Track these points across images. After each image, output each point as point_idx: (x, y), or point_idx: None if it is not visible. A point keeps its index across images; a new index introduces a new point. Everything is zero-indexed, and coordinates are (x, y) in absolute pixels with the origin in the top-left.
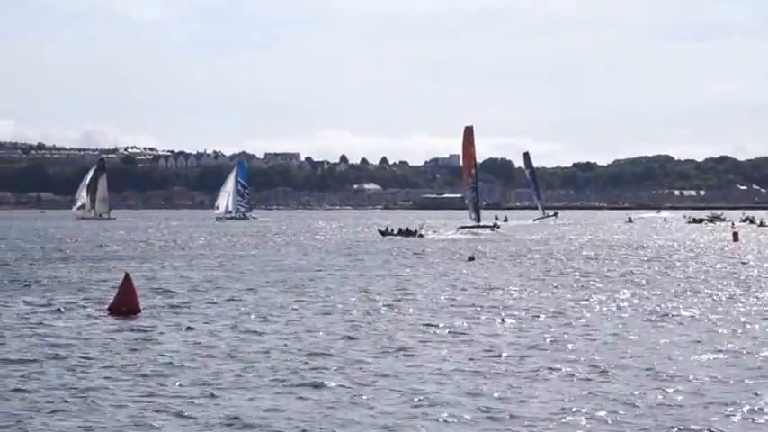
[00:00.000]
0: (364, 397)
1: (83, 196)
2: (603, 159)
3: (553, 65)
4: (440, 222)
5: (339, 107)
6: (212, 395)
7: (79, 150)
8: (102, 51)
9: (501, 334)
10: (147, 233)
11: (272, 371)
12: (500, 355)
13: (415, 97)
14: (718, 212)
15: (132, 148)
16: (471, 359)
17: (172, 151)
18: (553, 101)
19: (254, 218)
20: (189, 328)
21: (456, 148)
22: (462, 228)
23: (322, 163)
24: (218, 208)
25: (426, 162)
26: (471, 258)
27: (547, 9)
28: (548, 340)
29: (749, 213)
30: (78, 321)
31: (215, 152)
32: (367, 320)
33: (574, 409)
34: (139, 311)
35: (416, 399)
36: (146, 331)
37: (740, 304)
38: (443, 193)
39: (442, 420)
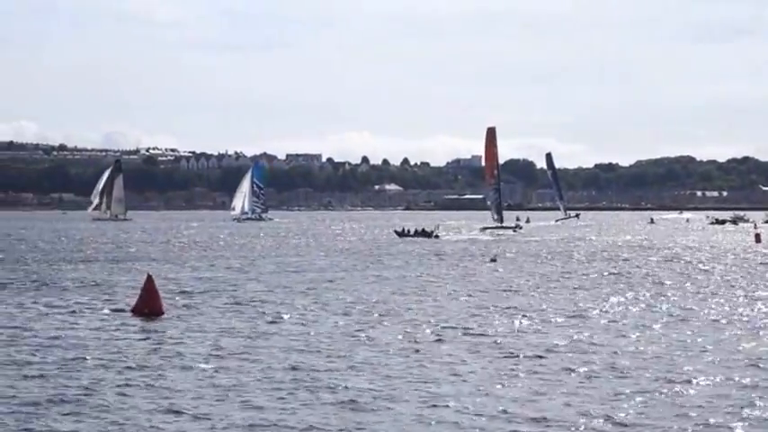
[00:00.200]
0: (383, 398)
1: (97, 197)
2: (625, 160)
3: (576, 65)
4: (460, 223)
5: (361, 108)
6: (232, 397)
7: (101, 151)
8: (124, 53)
9: (521, 335)
10: (166, 234)
11: (292, 372)
12: (519, 356)
13: (436, 98)
14: (741, 213)
15: (154, 148)
16: (491, 360)
17: (193, 152)
18: (575, 102)
19: (269, 219)
20: (211, 330)
21: (478, 148)
22: (485, 228)
23: (343, 164)
24: (234, 209)
25: (448, 163)
26: (494, 260)
27: (568, 10)
28: (567, 341)
29: None
30: (100, 323)
31: (236, 153)
32: (386, 322)
33: (593, 411)
34: (162, 313)
35: (435, 400)
36: (167, 333)
37: (762, 306)
38: (465, 194)
39: (460, 422)
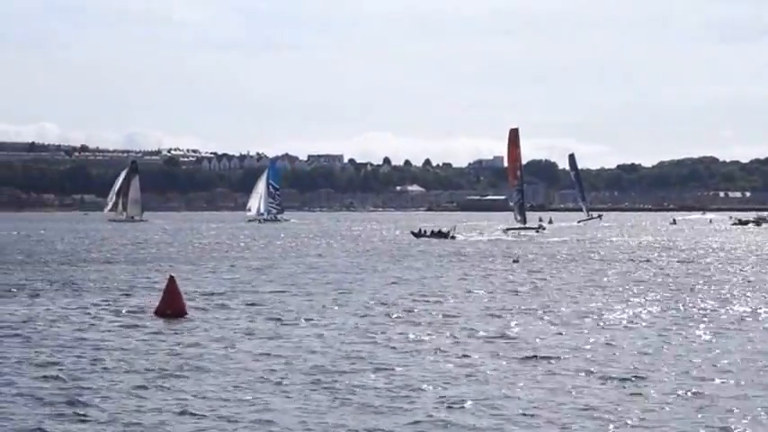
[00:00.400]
0: (400, 399)
1: (114, 198)
2: (648, 161)
3: (599, 66)
4: (482, 224)
5: (382, 109)
6: (250, 398)
7: (122, 152)
8: (145, 53)
9: (541, 336)
10: (188, 236)
11: (311, 373)
12: (538, 357)
13: (458, 99)
14: (764, 214)
15: (175, 149)
16: (509, 362)
17: (215, 153)
18: (598, 102)
19: (285, 219)
20: (232, 331)
21: (500, 149)
22: (509, 229)
23: (365, 165)
24: (249, 210)
25: (470, 164)
26: (516, 261)
27: (591, 10)
28: (587, 343)
29: None
30: (122, 324)
31: (258, 154)
32: (405, 323)
33: (612, 413)
34: (185, 314)
35: (453, 401)
36: (190, 334)
37: None
38: (487, 195)
39: (478, 423)
